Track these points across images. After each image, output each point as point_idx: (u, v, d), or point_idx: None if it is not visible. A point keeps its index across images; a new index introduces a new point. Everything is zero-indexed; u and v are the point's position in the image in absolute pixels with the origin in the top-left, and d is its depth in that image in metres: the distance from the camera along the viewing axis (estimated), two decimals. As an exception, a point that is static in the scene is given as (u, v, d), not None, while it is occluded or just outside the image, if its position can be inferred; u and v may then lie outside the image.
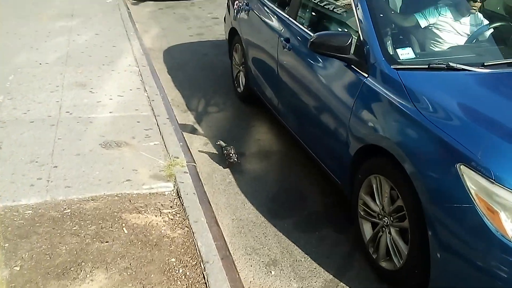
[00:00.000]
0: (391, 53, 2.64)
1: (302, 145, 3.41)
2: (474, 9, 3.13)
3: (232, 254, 2.72)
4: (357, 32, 2.79)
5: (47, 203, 2.94)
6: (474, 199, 1.91)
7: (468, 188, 1.93)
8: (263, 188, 3.39)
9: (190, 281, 2.40)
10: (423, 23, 3.06)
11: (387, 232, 2.46)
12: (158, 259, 2.54)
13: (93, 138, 3.71)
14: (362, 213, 2.66)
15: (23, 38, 6.05)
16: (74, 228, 2.74)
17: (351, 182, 2.73)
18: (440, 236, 2.05)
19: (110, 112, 4.16)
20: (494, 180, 1.88)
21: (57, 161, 3.36)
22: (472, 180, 1.93)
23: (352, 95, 2.68)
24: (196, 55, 6.07)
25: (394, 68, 2.53)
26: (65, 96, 4.42)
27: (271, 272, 2.63)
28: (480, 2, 3.15)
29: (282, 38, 3.56)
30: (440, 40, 3.00)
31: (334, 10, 3.41)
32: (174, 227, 2.80)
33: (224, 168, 3.60)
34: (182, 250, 2.62)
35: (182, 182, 3.19)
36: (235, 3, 4.74)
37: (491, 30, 3.06)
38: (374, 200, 2.55)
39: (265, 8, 4.08)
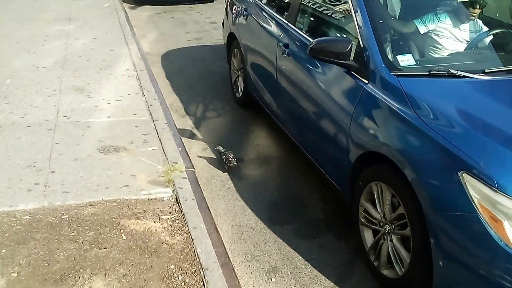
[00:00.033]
0: (391, 60, 2.64)
1: (302, 151, 3.40)
2: (474, 16, 3.14)
3: (231, 261, 2.70)
4: (357, 38, 2.79)
5: (45, 208, 2.91)
6: (477, 208, 1.90)
7: (471, 197, 1.92)
8: (263, 194, 3.38)
9: (190, 289, 2.38)
10: (422, 29, 3.07)
11: (389, 240, 2.45)
12: (157, 266, 2.51)
13: (91, 143, 3.69)
14: (363, 220, 2.64)
15: (20, 42, 6.03)
16: (72, 234, 2.71)
17: (352, 189, 2.72)
18: (443, 245, 2.04)
19: (108, 117, 4.14)
20: (497, 188, 1.87)
21: (54, 166, 3.34)
22: (475, 189, 1.92)
23: (352, 102, 2.67)
24: (194, 60, 6.07)
25: (395, 75, 2.52)
26: (62, 100, 4.40)
27: (271, 279, 2.61)
28: (480, 9, 3.17)
29: (281, 44, 3.55)
30: (439, 46, 3.00)
31: (333, 15, 3.41)
32: (173, 233, 2.78)
33: (223, 172, 3.58)
34: (181, 256, 2.60)
35: (181, 188, 3.17)
36: (234, 8, 4.74)
37: (491, 37, 3.07)
38: (375, 207, 2.54)
39: (264, 13, 4.08)
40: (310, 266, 2.71)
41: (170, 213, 2.96)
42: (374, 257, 2.58)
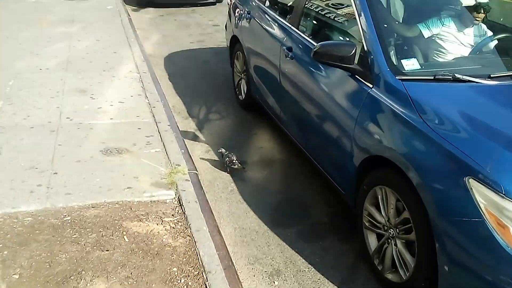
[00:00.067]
0: (396, 64, 2.63)
1: (305, 154, 3.39)
2: (478, 20, 3.13)
3: (234, 263, 2.69)
4: (360, 41, 2.78)
5: (47, 210, 2.90)
6: (484, 214, 1.89)
7: (477, 202, 1.91)
8: (266, 196, 3.37)
9: (193, 292, 2.37)
10: (426, 33, 3.06)
11: (393, 244, 2.44)
12: (159, 269, 2.50)
13: (94, 144, 3.68)
14: (367, 224, 2.63)
15: (23, 44, 6.03)
16: (74, 236, 2.70)
17: (356, 193, 2.71)
18: (449, 250, 2.03)
19: (110, 119, 4.13)
20: (504, 194, 1.86)
21: (57, 168, 3.33)
22: (481, 194, 1.91)
23: (356, 106, 2.66)
24: (197, 62, 6.07)
25: (399, 79, 2.51)
26: (65, 102, 4.40)
27: (274, 282, 2.60)
28: (484, 13, 3.16)
29: (284, 47, 3.55)
30: (444, 51, 3.00)
31: (336, 19, 3.41)
32: (176, 236, 2.77)
33: (227, 173, 3.58)
34: (184, 259, 2.59)
35: (184, 190, 3.16)
36: (237, 11, 4.74)
37: (495, 42, 3.07)
38: (379, 211, 2.53)
39: (267, 16, 4.08)
40: (313, 269, 2.70)
41: (172, 215, 2.95)
42: (378, 261, 2.57)
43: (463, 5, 3.26)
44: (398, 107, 2.41)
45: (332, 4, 3.60)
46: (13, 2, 8.13)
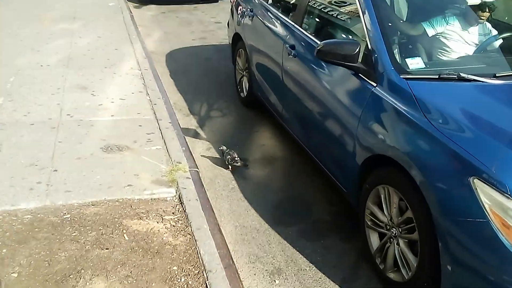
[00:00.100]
0: (400, 63, 2.61)
1: (307, 152, 3.37)
2: (482, 19, 3.10)
3: (235, 262, 2.67)
4: (363, 40, 2.76)
5: (47, 207, 2.88)
6: (488, 214, 1.87)
7: (482, 203, 1.89)
8: (267, 194, 3.35)
9: (193, 291, 2.35)
10: (430, 32, 3.03)
11: (395, 243, 2.42)
12: (159, 267, 2.48)
13: (94, 141, 3.66)
14: (369, 223, 2.61)
15: (24, 40, 6.01)
16: (74, 234, 2.69)
17: (358, 192, 2.68)
18: (452, 250, 2.01)
19: (111, 116, 4.11)
20: (509, 195, 1.84)
21: (57, 165, 3.31)
22: (486, 194, 1.89)
23: (359, 104, 2.64)
24: (199, 59, 6.05)
25: (404, 78, 2.49)
26: (66, 98, 4.37)
27: (275, 281, 2.58)
28: (489, 12, 3.13)
29: (287, 45, 3.52)
30: (448, 49, 2.97)
31: (340, 17, 3.38)
32: (176, 234, 2.75)
33: (230, 171, 3.56)
34: (184, 258, 2.57)
35: (185, 188, 3.14)
36: (239, 9, 4.71)
37: (500, 41, 3.04)
38: (382, 210, 2.51)
39: (269, 14, 4.05)
40: (314, 268, 2.68)
41: (173, 213, 2.93)
42: (380, 260, 2.55)
43: (468, 3, 3.23)
44: (402, 106, 2.38)
45: (335, 2, 3.57)
46: (15, -1, 8.11)
